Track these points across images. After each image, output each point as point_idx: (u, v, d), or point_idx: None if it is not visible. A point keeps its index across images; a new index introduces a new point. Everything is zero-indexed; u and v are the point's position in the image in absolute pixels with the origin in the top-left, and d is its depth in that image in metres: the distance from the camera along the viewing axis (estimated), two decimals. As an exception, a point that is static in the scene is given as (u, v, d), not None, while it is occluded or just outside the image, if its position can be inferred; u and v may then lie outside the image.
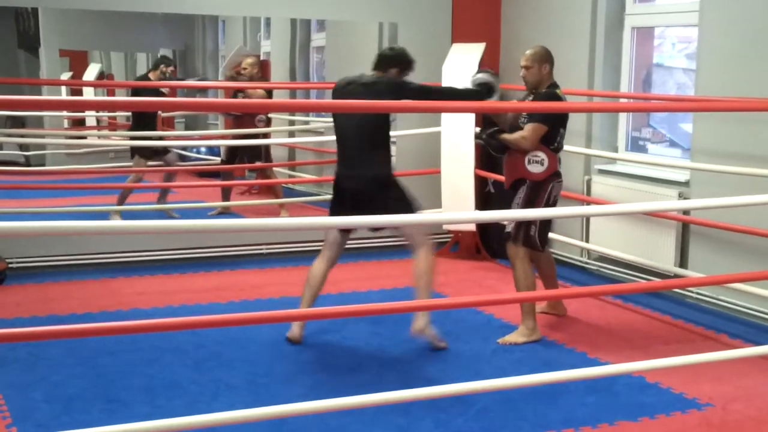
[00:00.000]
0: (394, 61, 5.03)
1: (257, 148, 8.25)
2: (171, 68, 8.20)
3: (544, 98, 5.08)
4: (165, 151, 8.13)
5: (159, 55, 8.94)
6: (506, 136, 5.13)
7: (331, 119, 5.16)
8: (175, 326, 3.62)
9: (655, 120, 6.68)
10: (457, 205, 6.95)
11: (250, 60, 8.23)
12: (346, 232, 5.06)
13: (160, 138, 8.16)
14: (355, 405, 3.49)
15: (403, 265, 6.75)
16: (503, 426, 3.85)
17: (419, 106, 4.94)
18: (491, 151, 5.45)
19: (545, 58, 5.16)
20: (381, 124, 4.94)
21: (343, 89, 4.96)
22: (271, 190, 8.53)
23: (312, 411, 3.49)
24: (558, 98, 5.09)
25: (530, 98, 5.20)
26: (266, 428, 3.69)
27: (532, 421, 3.91)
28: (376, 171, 4.91)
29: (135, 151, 8.00)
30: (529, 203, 5.09)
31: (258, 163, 8.35)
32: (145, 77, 8.22)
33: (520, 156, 5.09)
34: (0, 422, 3.83)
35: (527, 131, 5.03)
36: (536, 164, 5.07)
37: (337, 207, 4.95)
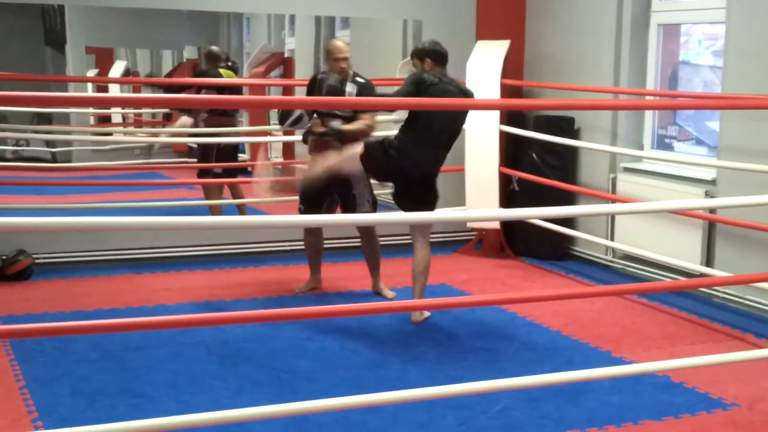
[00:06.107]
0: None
1: None
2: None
3: (371, 87, 5.57)
4: None
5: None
6: (348, 127, 5.45)
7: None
8: (199, 322, 3.64)
9: (681, 118, 6.63)
10: (481, 202, 6.92)
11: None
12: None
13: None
14: (378, 402, 3.49)
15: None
16: (526, 424, 3.84)
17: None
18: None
19: None
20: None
21: (441, 89, 5.05)
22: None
23: (335, 407, 3.49)
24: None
25: (354, 87, 5.53)
26: (289, 424, 3.70)
27: (556, 419, 3.89)
28: (437, 168, 5.31)
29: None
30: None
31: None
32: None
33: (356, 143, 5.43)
34: (26, 416, 3.87)
35: (372, 120, 5.52)
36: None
37: (399, 191, 5.29)
